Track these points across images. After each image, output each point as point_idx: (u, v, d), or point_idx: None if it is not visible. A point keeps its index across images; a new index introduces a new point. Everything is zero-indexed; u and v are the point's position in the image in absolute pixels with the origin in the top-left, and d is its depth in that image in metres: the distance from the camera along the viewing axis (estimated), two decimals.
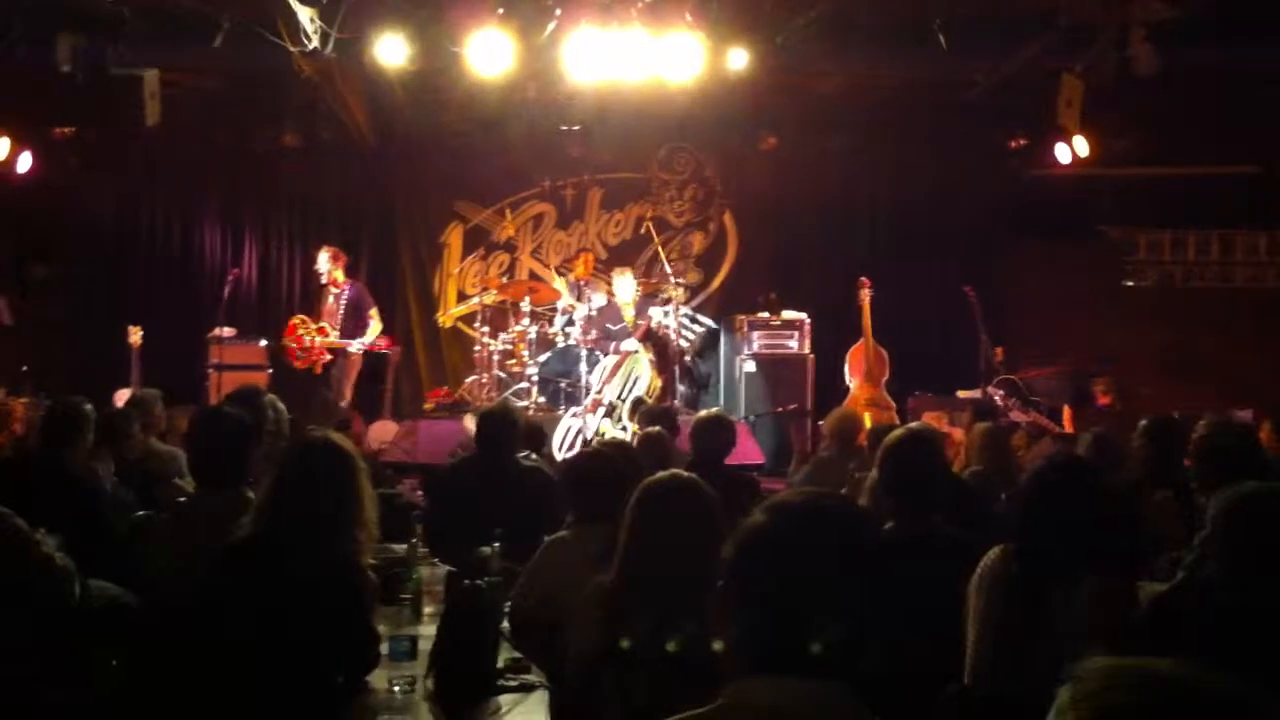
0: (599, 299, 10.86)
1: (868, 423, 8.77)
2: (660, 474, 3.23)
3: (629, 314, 10.66)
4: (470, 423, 7.99)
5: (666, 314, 10.74)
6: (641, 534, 3.03)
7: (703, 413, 6.44)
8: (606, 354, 10.28)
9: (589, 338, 10.35)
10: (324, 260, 10.77)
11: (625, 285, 10.89)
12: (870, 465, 5.09)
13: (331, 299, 10.76)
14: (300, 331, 10.62)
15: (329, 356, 10.61)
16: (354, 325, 10.65)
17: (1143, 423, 5.39)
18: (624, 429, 9.47)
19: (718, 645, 1.86)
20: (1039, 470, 3.55)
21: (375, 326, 10.73)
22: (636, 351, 10.14)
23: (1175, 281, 12.35)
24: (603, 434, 9.41)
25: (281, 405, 5.85)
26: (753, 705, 1.74)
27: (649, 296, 10.98)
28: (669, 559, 2.95)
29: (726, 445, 5.97)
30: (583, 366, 10.20)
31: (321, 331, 10.61)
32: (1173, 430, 5.31)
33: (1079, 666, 1.30)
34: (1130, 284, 12.37)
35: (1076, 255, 11.93)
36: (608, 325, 10.61)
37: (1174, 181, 11.52)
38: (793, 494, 1.94)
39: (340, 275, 10.81)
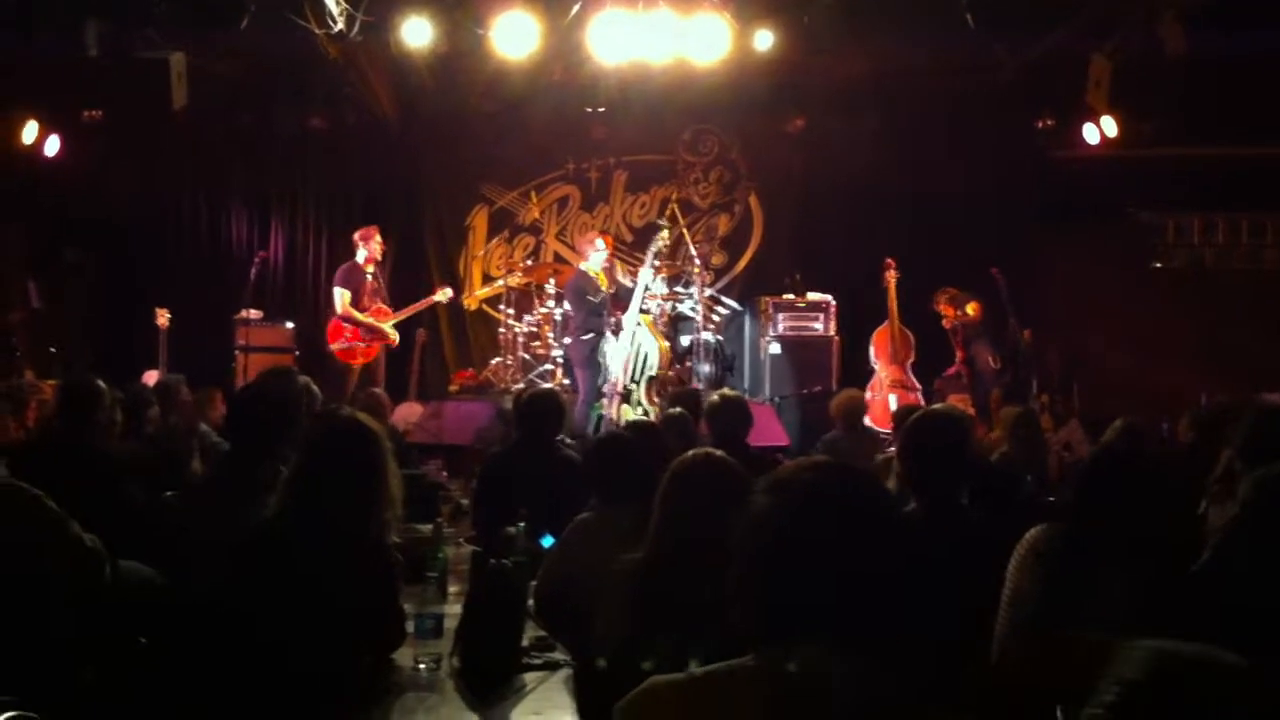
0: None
1: (893, 405, 8.76)
2: (693, 451, 3.22)
3: (602, 280, 10.21)
4: (506, 405, 7.92)
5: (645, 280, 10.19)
6: (675, 511, 3.03)
7: (715, 395, 6.34)
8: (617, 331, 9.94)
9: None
10: (378, 241, 10.59)
11: (596, 253, 10.34)
12: (882, 445, 5.13)
13: (370, 277, 10.54)
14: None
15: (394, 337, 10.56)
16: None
17: (1190, 412, 5.36)
18: (644, 412, 9.40)
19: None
20: (1101, 453, 3.54)
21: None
22: (639, 326, 9.80)
23: (1205, 264, 12.25)
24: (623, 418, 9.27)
25: (315, 387, 5.88)
26: (782, 669, 1.75)
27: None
28: (702, 536, 2.94)
29: (744, 425, 5.94)
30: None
31: (382, 314, 10.51)
32: (1217, 419, 5.27)
33: (1125, 648, 1.27)
34: (1159, 266, 12.27)
35: (1105, 237, 11.82)
36: (589, 298, 10.14)
37: (1204, 163, 11.40)
38: (792, 469, 1.92)
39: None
